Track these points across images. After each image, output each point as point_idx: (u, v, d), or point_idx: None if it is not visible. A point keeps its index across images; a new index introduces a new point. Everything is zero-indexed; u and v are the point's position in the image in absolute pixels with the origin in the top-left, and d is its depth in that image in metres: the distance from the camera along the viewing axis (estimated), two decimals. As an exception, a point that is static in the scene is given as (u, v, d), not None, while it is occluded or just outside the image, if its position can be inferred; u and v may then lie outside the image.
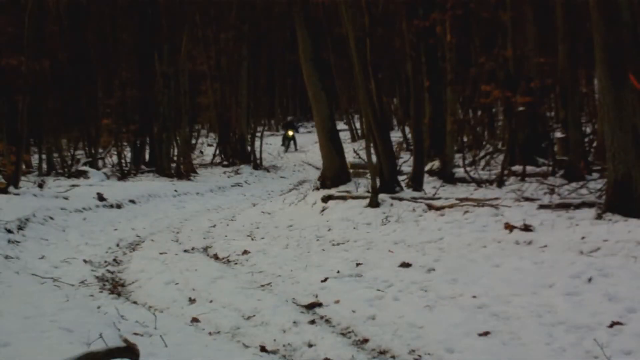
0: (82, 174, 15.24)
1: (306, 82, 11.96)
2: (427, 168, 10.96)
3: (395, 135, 19.70)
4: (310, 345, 3.92)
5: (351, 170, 12.72)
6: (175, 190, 13.60)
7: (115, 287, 5.82)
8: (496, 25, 12.18)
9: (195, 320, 4.58)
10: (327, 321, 4.39)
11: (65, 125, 18.66)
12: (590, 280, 4.54)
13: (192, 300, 5.12)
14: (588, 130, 12.71)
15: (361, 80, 9.40)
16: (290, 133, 26.83)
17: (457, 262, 5.56)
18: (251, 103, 22.68)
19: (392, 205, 8.64)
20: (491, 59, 11.00)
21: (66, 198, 10.51)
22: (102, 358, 2.91)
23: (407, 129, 19.81)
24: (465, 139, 13.83)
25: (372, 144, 9.81)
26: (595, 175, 9.48)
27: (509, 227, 6.51)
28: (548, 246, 5.67)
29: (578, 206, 7.01)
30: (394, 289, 4.91)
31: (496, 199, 8.01)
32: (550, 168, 10.37)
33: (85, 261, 6.84)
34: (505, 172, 10.09)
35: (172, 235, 8.83)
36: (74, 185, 12.70)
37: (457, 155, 11.72)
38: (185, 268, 6.28)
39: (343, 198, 9.52)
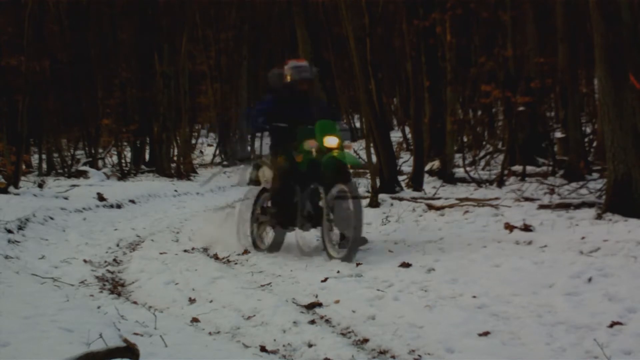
0: (82, 174, 15.25)
1: (306, 82, 11.94)
2: (427, 168, 10.97)
3: (395, 135, 19.69)
4: (310, 345, 3.92)
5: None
6: (175, 190, 13.60)
7: (115, 287, 5.82)
8: (496, 25, 12.19)
9: (195, 320, 4.58)
10: (327, 321, 4.39)
11: (65, 125, 18.69)
12: (590, 280, 4.53)
13: (192, 300, 5.12)
14: (588, 130, 12.73)
15: (361, 80, 9.41)
16: None
17: (457, 262, 5.55)
18: (251, 103, 22.70)
19: (392, 205, 8.64)
20: (491, 59, 11.02)
21: (66, 198, 10.51)
22: (102, 358, 2.90)
23: (407, 129, 19.81)
24: (465, 139, 13.84)
25: (372, 144, 9.81)
26: (595, 175, 9.49)
27: (509, 227, 6.51)
28: (548, 246, 5.67)
29: (578, 206, 7.01)
30: (394, 288, 4.91)
31: (496, 199, 8.01)
32: (550, 168, 10.39)
33: (85, 261, 6.83)
34: (505, 172, 10.10)
35: (172, 235, 8.82)
36: (74, 185, 12.70)
37: (457, 155, 11.73)
38: (185, 268, 6.28)
39: (343, 198, 9.51)
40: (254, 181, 7.05)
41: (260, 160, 6.99)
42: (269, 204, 6.75)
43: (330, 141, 6.17)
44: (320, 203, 6.22)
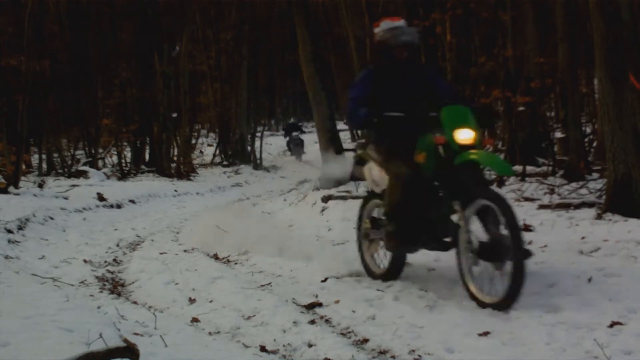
0: (82, 174, 15.27)
1: (306, 82, 11.97)
2: (427, 168, 10.95)
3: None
4: (310, 345, 3.92)
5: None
6: (175, 190, 13.62)
7: (115, 287, 5.82)
8: (496, 25, 12.18)
9: (195, 320, 4.58)
10: (327, 321, 4.39)
11: (65, 125, 18.71)
12: (590, 280, 4.53)
13: (192, 300, 5.12)
14: (588, 130, 12.71)
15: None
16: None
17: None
18: (251, 103, 22.70)
19: (392, 205, 8.62)
20: (491, 59, 11.01)
21: (66, 198, 10.52)
22: (102, 358, 2.90)
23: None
24: (465, 139, 13.83)
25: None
26: (595, 175, 9.47)
27: (509, 227, 6.49)
28: (548, 246, 5.66)
29: (578, 206, 7.00)
30: (394, 288, 4.91)
31: (496, 199, 7.99)
32: (550, 168, 10.37)
33: (85, 261, 6.84)
34: (505, 172, 10.08)
35: (172, 235, 8.83)
36: (74, 185, 12.71)
37: (457, 155, 11.69)
38: (185, 268, 6.28)
39: (343, 198, 9.52)
40: (358, 177, 5.56)
41: (364, 152, 5.21)
42: (383, 216, 5.07)
43: (464, 135, 4.36)
44: (455, 219, 4.47)
